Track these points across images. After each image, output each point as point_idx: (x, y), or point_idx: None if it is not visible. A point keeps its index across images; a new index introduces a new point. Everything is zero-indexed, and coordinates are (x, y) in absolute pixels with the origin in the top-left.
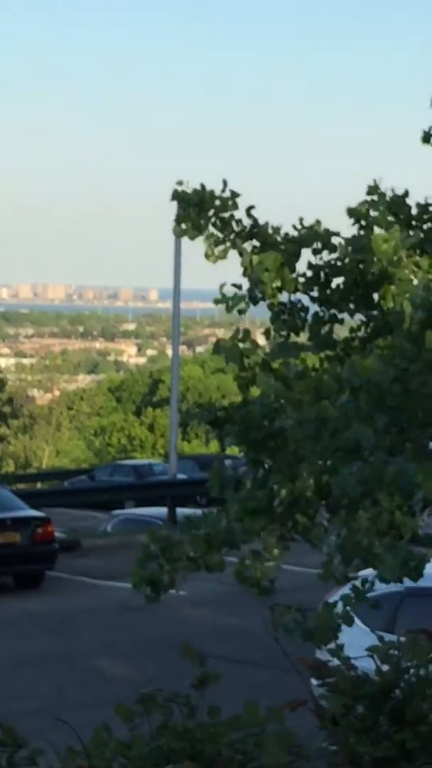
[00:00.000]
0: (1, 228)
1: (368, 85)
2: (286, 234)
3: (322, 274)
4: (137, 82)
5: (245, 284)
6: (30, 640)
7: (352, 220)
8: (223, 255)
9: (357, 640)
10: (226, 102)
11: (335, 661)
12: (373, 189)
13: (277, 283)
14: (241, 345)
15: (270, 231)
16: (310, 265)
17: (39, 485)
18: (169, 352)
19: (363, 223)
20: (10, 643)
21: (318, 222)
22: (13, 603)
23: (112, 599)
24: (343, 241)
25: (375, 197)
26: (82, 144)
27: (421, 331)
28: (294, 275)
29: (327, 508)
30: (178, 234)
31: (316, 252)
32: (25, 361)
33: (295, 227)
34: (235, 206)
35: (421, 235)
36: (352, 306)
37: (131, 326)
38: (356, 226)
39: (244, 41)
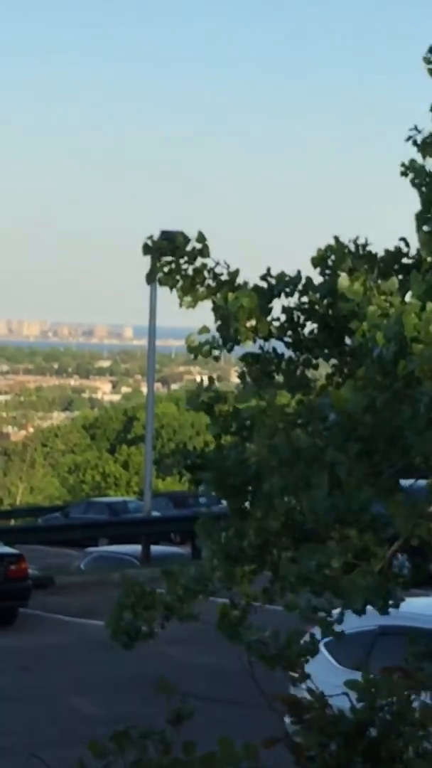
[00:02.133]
0: None
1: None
2: (255, 285)
3: (295, 317)
4: (114, 116)
5: (215, 332)
6: (3, 677)
7: (317, 270)
8: (196, 302)
9: (331, 678)
10: (203, 142)
11: (309, 698)
12: (335, 247)
13: (252, 323)
14: (210, 394)
15: (240, 282)
16: (284, 309)
17: (13, 522)
18: (144, 389)
19: (327, 270)
20: None
21: (283, 272)
22: None
23: (85, 636)
24: (312, 283)
25: (336, 252)
26: (57, 180)
27: (393, 363)
28: (268, 319)
29: (295, 543)
30: (152, 282)
31: (288, 295)
32: (0, 397)
33: (263, 277)
34: (207, 254)
35: (396, 283)
36: (325, 351)
37: (106, 363)
38: (321, 274)
39: (202, 86)
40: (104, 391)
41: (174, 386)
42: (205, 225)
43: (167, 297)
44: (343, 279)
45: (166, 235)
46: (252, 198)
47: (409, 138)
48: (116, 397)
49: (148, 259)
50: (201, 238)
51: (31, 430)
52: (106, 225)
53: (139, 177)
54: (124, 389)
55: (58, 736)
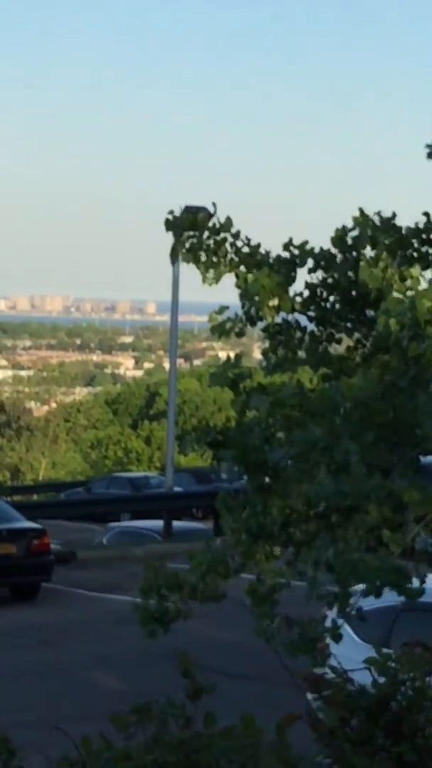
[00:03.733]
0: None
1: (359, 102)
2: (278, 256)
3: (318, 293)
4: (137, 93)
5: (238, 306)
6: (25, 652)
7: (338, 249)
8: (219, 278)
9: (353, 654)
10: (226, 120)
11: (332, 675)
12: (359, 218)
13: (274, 302)
14: (235, 371)
15: (263, 252)
16: (307, 284)
17: (35, 497)
18: (167, 365)
19: (349, 242)
20: (5, 654)
21: (306, 242)
22: (9, 614)
23: (107, 611)
24: (335, 259)
25: (360, 224)
26: (82, 156)
27: (408, 349)
28: (291, 295)
29: (318, 529)
30: (176, 259)
31: (311, 271)
32: (23, 373)
33: (285, 247)
34: (229, 229)
35: (415, 254)
36: (348, 325)
37: (129, 339)
38: (342, 251)
39: (230, 63)
40: (127, 366)
41: (196, 362)
42: (228, 200)
43: (190, 273)
44: (365, 267)
45: (190, 210)
46: (276, 173)
47: None
48: (138, 373)
49: (171, 234)
50: (215, 208)
51: (53, 405)
52: (129, 200)
53: (163, 152)
54: (147, 365)
55: (80, 711)
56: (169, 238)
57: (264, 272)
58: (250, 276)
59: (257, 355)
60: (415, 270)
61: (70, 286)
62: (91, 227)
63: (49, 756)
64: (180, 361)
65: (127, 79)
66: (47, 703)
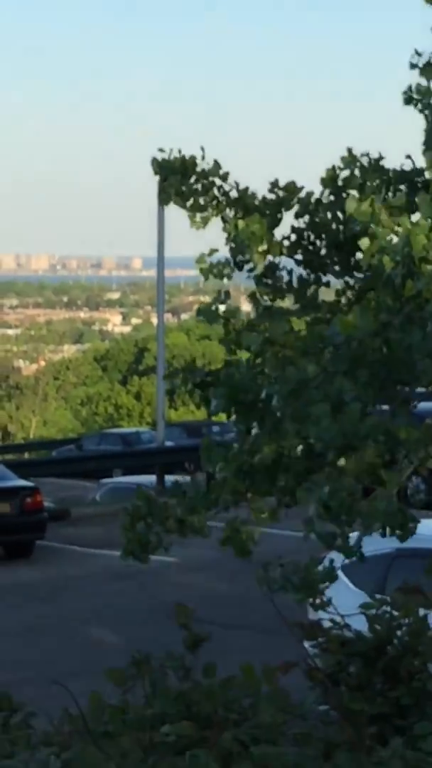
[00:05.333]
0: None
1: (344, 54)
2: (264, 197)
3: (305, 236)
4: (116, 49)
5: (227, 251)
6: (21, 610)
7: (328, 189)
8: (206, 222)
9: (349, 602)
10: (206, 69)
11: (328, 622)
12: (347, 158)
13: (263, 247)
14: (222, 308)
15: (250, 195)
16: (294, 228)
17: (27, 455)
18: (154, 320)
19: (339, 183)
20: (2, 612)
21: (293, 183)
22: (4, 572)
23: (102, 567)
24: (322, 202)
25: (349, 164)
26: (63, 112)
27: (403, 285)
28: (278, 239)
29: (311, 468)
30: (164, 202)
31: (297, 215)
32: (10, 332)
33: (272, 188)
34: (217, 172)
35: (402, 197)
36: (336, 268)
37: (115, 295)
38: (332, 192)
39: (225, 10)
40: (114, 323)
41: (184, 316)
42: (217, 148)
43: (175, 227)
44: (351, 201)
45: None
46: (262, 117)
47: (413, 66)
48: (126, 329)
49: (156, 189)
50: (203, 152)
51: (42, 363)
52: (114, 155)
53: (148, 105)
54: (134, 320)
55: (79, 667)
56: (154, 190)
57: (254, 218)
58: (240, 222)
59: (246, 307)
60: (400, 199)
61: (55, 243)
62: (75, 183)
63: (48, 712)
64: (167, 315)
65: (105, 20)
66: (45, 659)
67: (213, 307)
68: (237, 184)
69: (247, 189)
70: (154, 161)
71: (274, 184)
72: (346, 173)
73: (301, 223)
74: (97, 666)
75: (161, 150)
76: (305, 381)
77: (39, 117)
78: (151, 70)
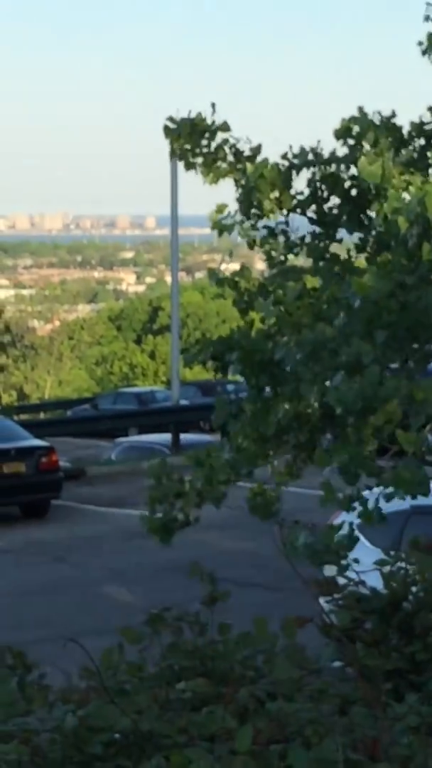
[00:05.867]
0: None
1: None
2: (276, 164)
3: (318, 191)
4: (132, 5)
5: (236, 208)
6: (38, 569)
7: (340, 142)
8: (218, 177)
9: (366, 559)
10: (219, 23)
11: (344, 579)
12: (359, 117)
13: (275, 194)
14: (233, 267)
15: (262, 158)
16: (308, 182)
17: (42, 415)
18: (168, 279)
19: (351, 142)
20: (18, 571)
21: (303, 149)
22: (20, 532)
23: (118, 526)
24: (336, 157)
25: (360, 122)
26: (75, 68)
27: (418, 246)
28: (291, 192)
29: (329, 431)
30: (173, 160)
31: (311, 165)
32: (24, 292)
33: (284, 157)
34: (226, 130)
35: (415, 154)
36: (348, 223)
37: (129, 254)
38: (345, 146)
39: None
40: (128, 282)
41: (198, 275)
42: (228, 104)
43: (189, 186)
44: (362, 162)
45: (185, 120)
46: (273, 75)
47: (427, 18)
48: (141, 288)
49: (169, 147)
50: (213, 109)
51: (56, 323)
52: (127, 114)
53: (161, 63)
54: (149, 280)
55: (95, 625)
56: (168, 148)
57: (264, 163)
58: (249, 166)
59: (260, 266)
60: (409, 154)
61: (69, 203)
62: (89, 143)
63: (65, 670)
64: (181, 274)
65: None
66: (62, 618)
67: (220, 268)
68: (249, 141)
69: (259, 146)
70: (165, 127)
71: (285, 156)
72: (358, 128)
73: (315, 175)
74: (113, 624)
75: (169, 117)
76: (322, 343)
77: (52, 73)
78: (166, 24)
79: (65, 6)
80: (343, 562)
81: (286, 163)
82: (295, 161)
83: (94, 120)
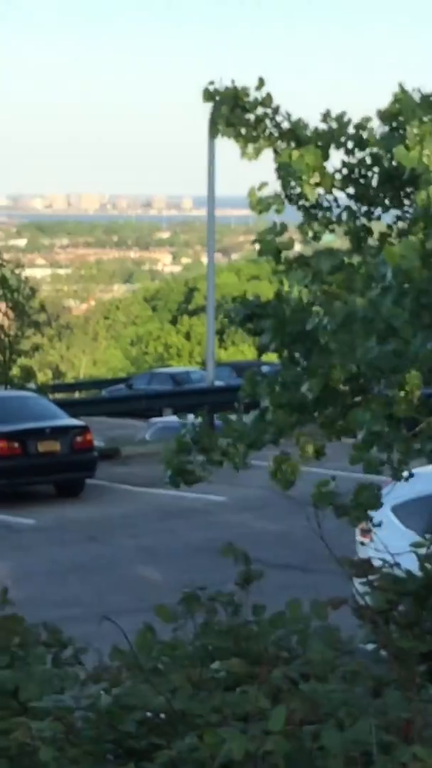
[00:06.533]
0: (34, 139)
1: None
2: (316, 129)
3: (357, 170)
4: None
5: (277, 186)
6: (71, 548)
7: (383, 122)
8: (258, 153)
9: (400, 543)
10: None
11: (379, 561)
12: (399, 94)
13: (315, 179)
14: (277, 240)
15: (302, 126)
16: (344, 163)
17: (77, 394)
18: (204, 260)
19: (394, 124)
20: (52, 550)
21: (344, 113)
22: (54, 511)
23: (152, 506)
24: (376, 135)
25: (400, 99)
26: (112, 50)
27: None
28: (330, 172)
29: (357, 399)
30: (215, 133)
31: (349, 152)
32: (61, 271)
33: (323, 119)
34: (269, 103)
35: None
36: (387, 202)
37: (165, 235)
38: (387, 127)
39: None
40: (164, 262)
41: (234, 256)
42: (270, 83)
43: (226, 166)
44: (400, 149)
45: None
46: (312, 49)
47: None
48: (176, 269)
49: (207, 127)
50: (261, 83)
51: (92, 303)
52: (163, 94)
53: (196, 42)
54: (184, 260)
55: (128, 604)
56: (205, 128)
57: (309, 149)
58: (294, 153)
59: (297, 247)
60: None
61: (105, 183)
62: (125, 122)
63: (98, 649)
64: (217, 255)
65: None
66: (95, 597)
67: (269, 238)
68: (289, 115)
69: (299, 120)
70: (206, 91)
71: (326, 115)
72: (400, 108)
73: (352, 159)
74: (146, 603)
75: (211, 82)
76: (353, 313)
77: (87, 54)
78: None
79: None
80: (369, 523)
81: (325, 133)
82: (334, 135)
83: (131, 100)
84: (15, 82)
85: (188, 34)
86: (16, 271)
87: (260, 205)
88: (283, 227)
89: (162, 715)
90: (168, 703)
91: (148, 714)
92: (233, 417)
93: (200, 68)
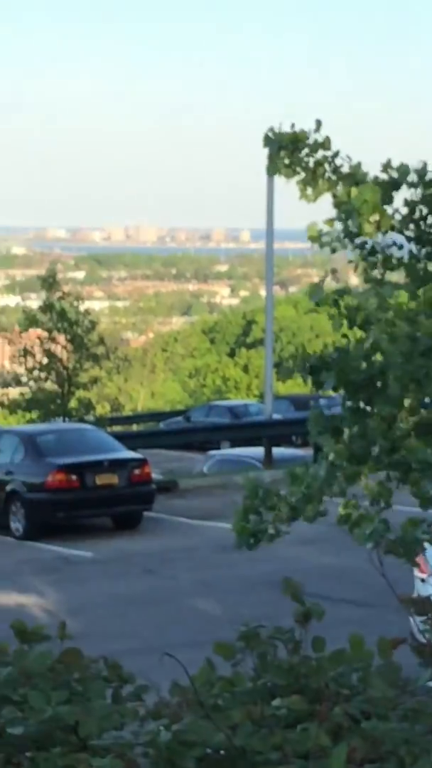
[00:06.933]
0: (93, 171)
1: None
2: (376, 177)
3: (417, 211)
4: (227, 14)
5: (336, 225)
6: (129, 581)
7: None
8: (318, 196)
9: None
10: (315, 39)
11: None
12: None
13: (375, 218)
14: (332, 285)
15: (363, 173)
16: (406, 202)
17: (135, 427)
18: (262, 292)
19: None
20: (110, 583)
21: (406, 165)
22: (112, 544)
23: (209, 539)
24: None
25: None
26: (169, 82)
27: None
28: (389, 212)
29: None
30: (273, 173)
31: (411, 185)
32: (119, 303)
33: (384, 169)
34: (329, 147)
35: None
36: None
37: (224, 267)
38: None
39: None
40: (222, 295)
41: (292, 289)
42: (327, 121)
43: (284, 199)
44: None
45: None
46: (372, 91)
47: None
48: (234, 301)
49: (266, 158)
50: (319, 125)
51: (150, 335)
52: (221, 128)
53: (257, 77)
54: (242, 293)
55: (186, 638)
56: (264, 162)
57: (368, 186)
58: (353, 190)
59: (353, 280)
60: None
61: (164, 216)
62: (184, 155)
63: (155, 683)
64: (276, 288)
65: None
66: (153, 630)
67: (321, 285)
68: (349, 159)
69: (359, 165)
70: (266, 137)
71: (387, 165)
72: None
73: (414, 195)
74: (203, 638)
75: (270, 129)
76: (415, 340)
77: (147, 86)
78: (262, 37)
79: (183, 16)
80: (419, 559)
81: (386, 179)
82: (395, 181)
83: (190, 133)
84: (72, 113)
85: (249, 68)
86: (75, 304)
87: (319, 241)
88: (335, 273)
89: (222, 752)
90: (228, 740)
91: (208, 750)
92: (299, 470)
93: (261, 102)
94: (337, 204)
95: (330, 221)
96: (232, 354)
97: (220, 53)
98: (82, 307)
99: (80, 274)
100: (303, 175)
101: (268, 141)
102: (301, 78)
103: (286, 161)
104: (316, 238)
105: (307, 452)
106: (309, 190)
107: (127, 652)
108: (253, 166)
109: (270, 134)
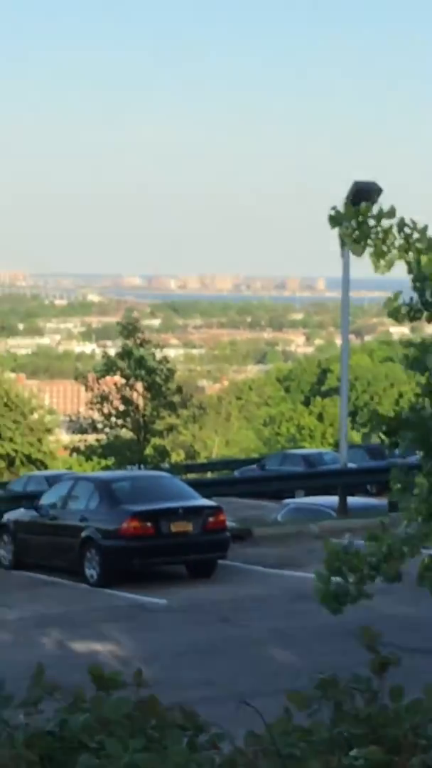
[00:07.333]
0: (169, 221)
1: None
2: None
3: None
4: (298, 69)
5: (413, 294)
6: (203, 628)
7: None
8: (390, 266)
9: None
10: (395, 89)
11: None
12: None
13: None
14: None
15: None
16: None
17: (209, 475)
18: (338, 341)
19: None
20: (185, 631)
21: None
22: (187, 592)
23: (283, 588)
24: None
25: None
26: (246, 133)
27: None
28: None
29: None
30: (348, 247)
31: None
32: (194, 351)
33: None
34: (393, 215)
35: None
36: None
37: (299, 316)
38: None
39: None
40: (297, 343)
41: (367, 338)
42: (396, 174)
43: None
44: None
45: (359, 186)
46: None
47: None
48: (309, 350)
49: (342, 208)
50: (379, 192)
51: (225, 383)
52: (297, 177)
53: (331, 127)
54: (317, 341)
55: (260, 687)
56: (340, 210)
57: None
58: (423, 258)
59: (430, 329)
60: None
61: (239, 264)
62: (259, 205)
63: (229, 732)
64: (351, 336)
65: (298, 51)
66: (227, 678)
67: (419, 354)
68: (415, 224)
69: (425, 228)
70: (331, 217)
71: None
72: None
73: None
74: (279, 686)
75: (333, 208)
76: None
77: (222, 136)
78: (337, 84)
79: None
80: None
81: None
82: None
83: (263, 182)
84: (148, 163)
85: (323, 120)
86: (153, 351)
87: (397, 314)
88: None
89: None
90: None
91: None
92: (379, 533)
93: (335, 152)
94: (412, 274)
95: (397, 294)
96: (306, 402)
97: (295, 101)
98: (159, 355)
99: (156, 322)
100: (373, 247)
101: (333, 222)
102: (369, 129)
103: (354, 236)
104: (395, 311)
105: (381, 501)
106: (381, 262)
107: (201, 700)
108: (327, 214)
109: (334, 214)
